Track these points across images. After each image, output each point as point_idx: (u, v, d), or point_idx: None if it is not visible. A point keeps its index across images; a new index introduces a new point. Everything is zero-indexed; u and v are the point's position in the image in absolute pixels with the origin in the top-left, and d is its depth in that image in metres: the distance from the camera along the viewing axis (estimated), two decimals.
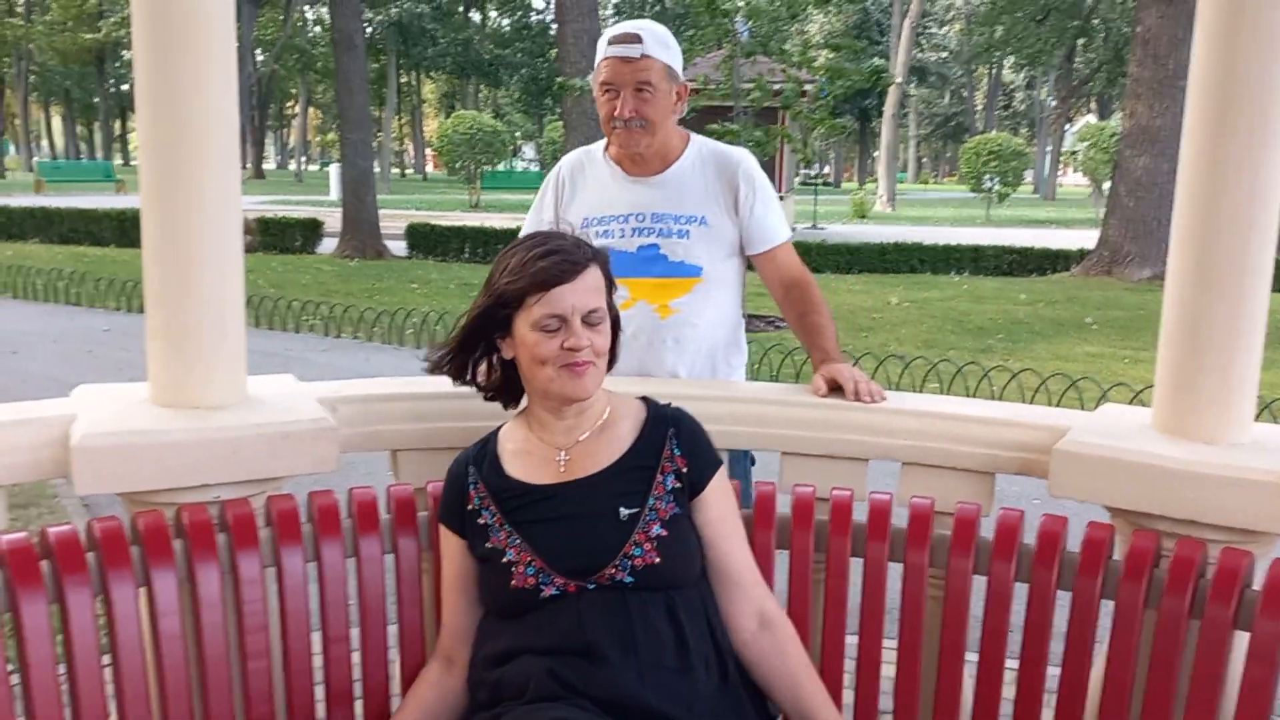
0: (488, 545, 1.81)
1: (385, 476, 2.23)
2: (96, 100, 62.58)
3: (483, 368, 1.98)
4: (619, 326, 1.93)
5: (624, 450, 1.85)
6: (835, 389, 2.31)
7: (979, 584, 1.99)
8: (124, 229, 18.68)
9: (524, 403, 1.98)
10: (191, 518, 1.88)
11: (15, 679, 1.68)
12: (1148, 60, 14.49)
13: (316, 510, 1.98)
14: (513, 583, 1.76)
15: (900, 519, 2.05)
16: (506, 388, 1.97)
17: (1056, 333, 11.08)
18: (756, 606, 1.86)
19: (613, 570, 1.74)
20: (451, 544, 1.90)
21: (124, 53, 55.83)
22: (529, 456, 1.87)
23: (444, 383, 2.39)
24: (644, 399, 1.95)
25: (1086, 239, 18.57)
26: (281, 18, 49.85)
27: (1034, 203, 45.46)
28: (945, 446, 2.21)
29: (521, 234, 2.43)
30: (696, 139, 2.61)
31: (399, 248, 18.47)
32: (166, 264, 2.07)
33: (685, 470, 1.85)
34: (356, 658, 1.98)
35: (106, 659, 1.74)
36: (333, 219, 19.18)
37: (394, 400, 2.27)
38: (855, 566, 2.05)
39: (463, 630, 1.89)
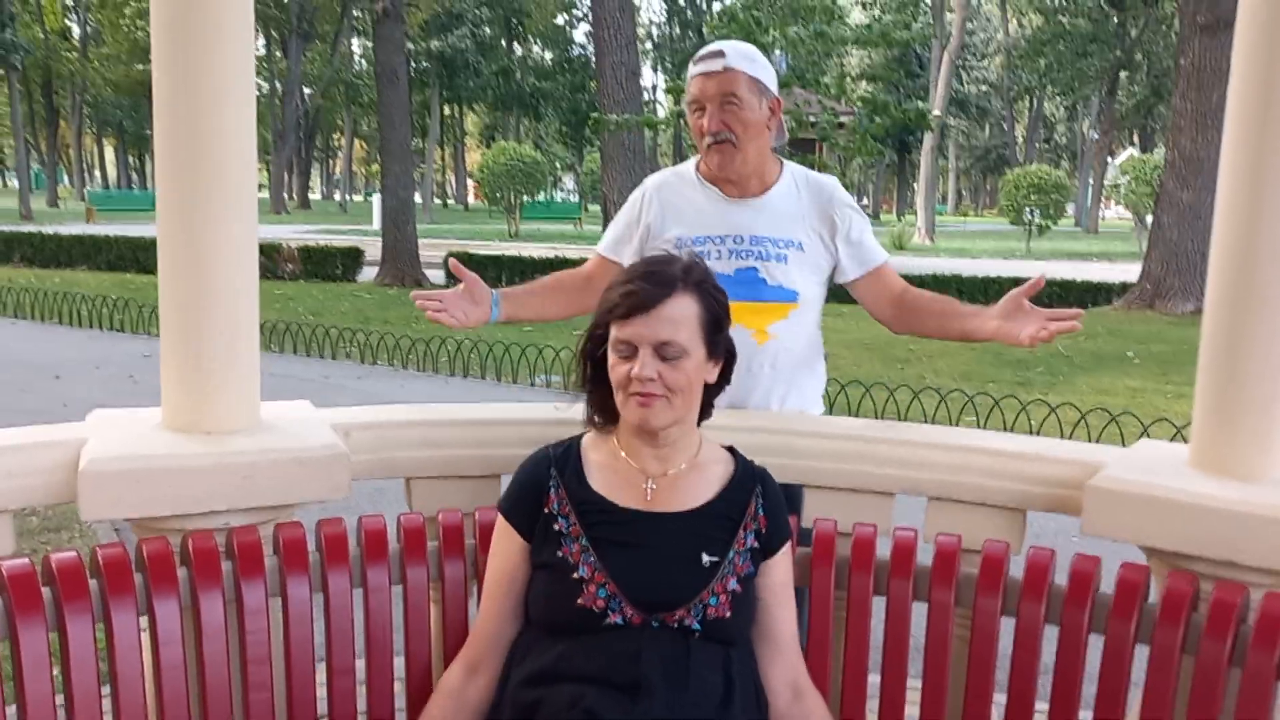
0: (558, 554, 1.74)
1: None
2: (148, 132, 63.93)
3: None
4: (732, 358, 1.86)
5: (712, 495, 1.80)
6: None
7: (1008, 625, 1.91)
8: None
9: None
10: (197, 545, 1.85)
11: (11, 709, 1.65)
12: (1191, 92, 14.32)
13: (324, 539, 1.94)
14: (579, 600, 1.70)
15: (925, 556, 1.98)
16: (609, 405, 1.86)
17: (1097, 366, 10.89)
18: (792, 676, 1.82)
19: (683, 613, 1.70)
20: (511, 543, 1.81)
21: None
22: (614, 475, 1.81)
23: (459, 409, 2.37)
24: (730, 448, 1.91)
25: (1128, 272, 18.32)
26: (329, 51, 50.72)
27: (1075, 236, 45.01)
28: (975, 481, 2.13)
29: (600, 247, 2.62)
30: (789, 165, 2.57)
31: (438, 276, 18.59)
32: (181, 288, 2.06)
33: (764, 531, 1.81)
34: (362, 690, 1.93)
35: (105, 689, 1.70)
36: (373, 248, 19.35)
37: (408, 427, 2.24)
38: (878, 605, 1.98)
39: (496, 638, 1.81)
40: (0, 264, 19.78)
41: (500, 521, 1.85)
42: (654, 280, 1.73)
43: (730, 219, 2.48)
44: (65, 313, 12.87)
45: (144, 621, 1.77)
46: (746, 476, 1.85)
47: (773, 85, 2.43)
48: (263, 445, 2.02)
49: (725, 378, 1.86)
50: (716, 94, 2.37)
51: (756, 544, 1.80)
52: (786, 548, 1.86)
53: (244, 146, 2.06)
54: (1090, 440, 6.81)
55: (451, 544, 2.02)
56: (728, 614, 1.72)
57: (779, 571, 1.84)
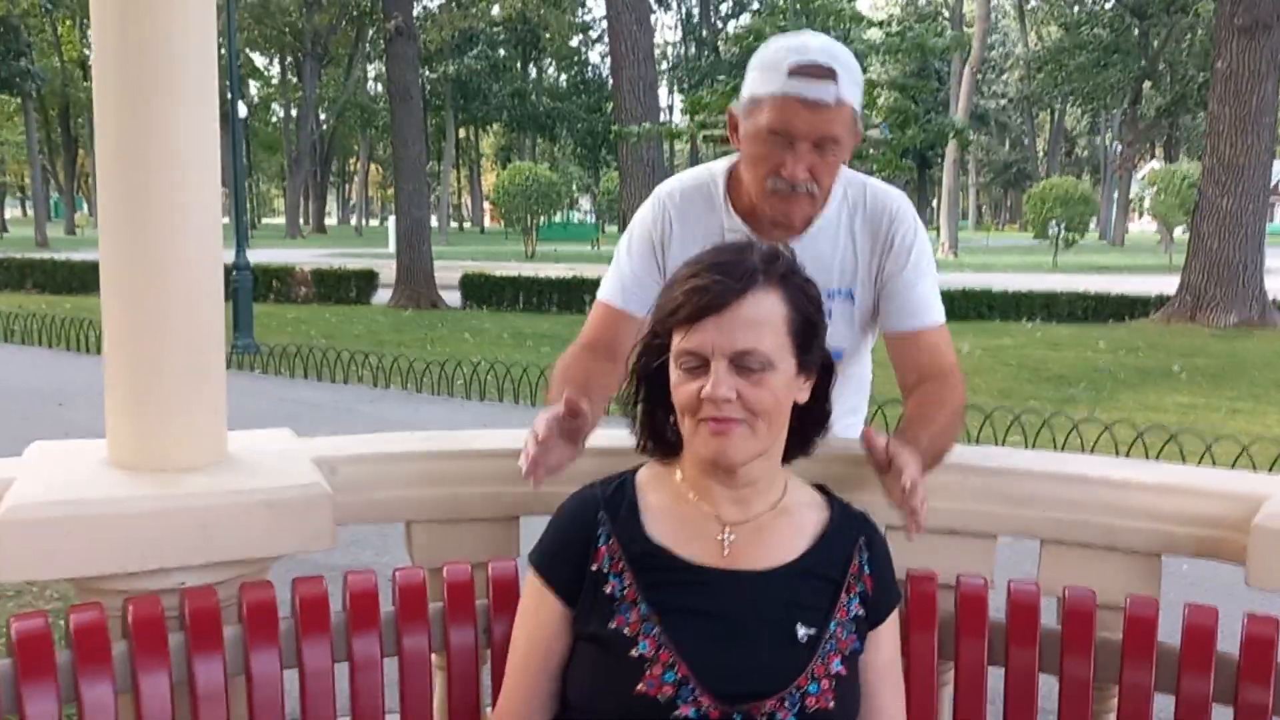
0: (610, 626, 1.35)
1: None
2: None
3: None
4: (829, 373, 1.46)
5: (805, 548, 1.41)
6: (886, 470, 1.58)
7: (1163, 703, 1.51)
8: None
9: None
10: (138, 612, 1.47)
11: None
12: (1229, 96, 13.88)
13: (299, 602, 1.56)
14: (639, 687, 1.30)
15: (1048, 616, 1.59)
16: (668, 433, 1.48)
17: (1142, 382, 10.42)
18: None
19: (775, 705, 1.30)
20: (547, 608, 1.42)
21: None
22: (680, 522, 1.42)
23: (468, 438, 1.98)
24: (821, 488, 1.51)
25: (1158, 285, 17.83)
26: (344, 75, 50.80)
27: (1100, 249, 44.39)
28: (1100, 520, 1.73)
29: (600, 295, 1.96)
30: (842, 178, 1.91)
31: (454, 298, 18.29)
32: (129, 295, 1.70)
33: (870, 595, 1.42)
34: None
35: None
36: (388, 270, 19.08)
37: (407, 460, 1.85)
38: (993, 677, 1.58)
39: None
40: (13, 290, 19.60)
41: (532, 579, 1.46)
42: (728, 272, 1.34)
43: None
44: (74, 339, 12.59)
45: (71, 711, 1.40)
46: (847, 524, 1.46)
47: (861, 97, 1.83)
48: (225, 485, 1.65)
49: (821, 398, 1.46)
50: (816, 134, 1.71)
51: (863, 611, 1.41)
52: (895, 618, 1.47)
53: (206, 127, 1.70)
54: (1149, 459, 6.38)
55: (459, 604, 1.63)
56: (831, 704, 1.32)
57: (887, 646, 1.45)
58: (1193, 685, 1.47)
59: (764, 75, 1.74)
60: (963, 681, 1.58)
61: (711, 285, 1.33)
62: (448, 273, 19.35)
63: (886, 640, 1.44)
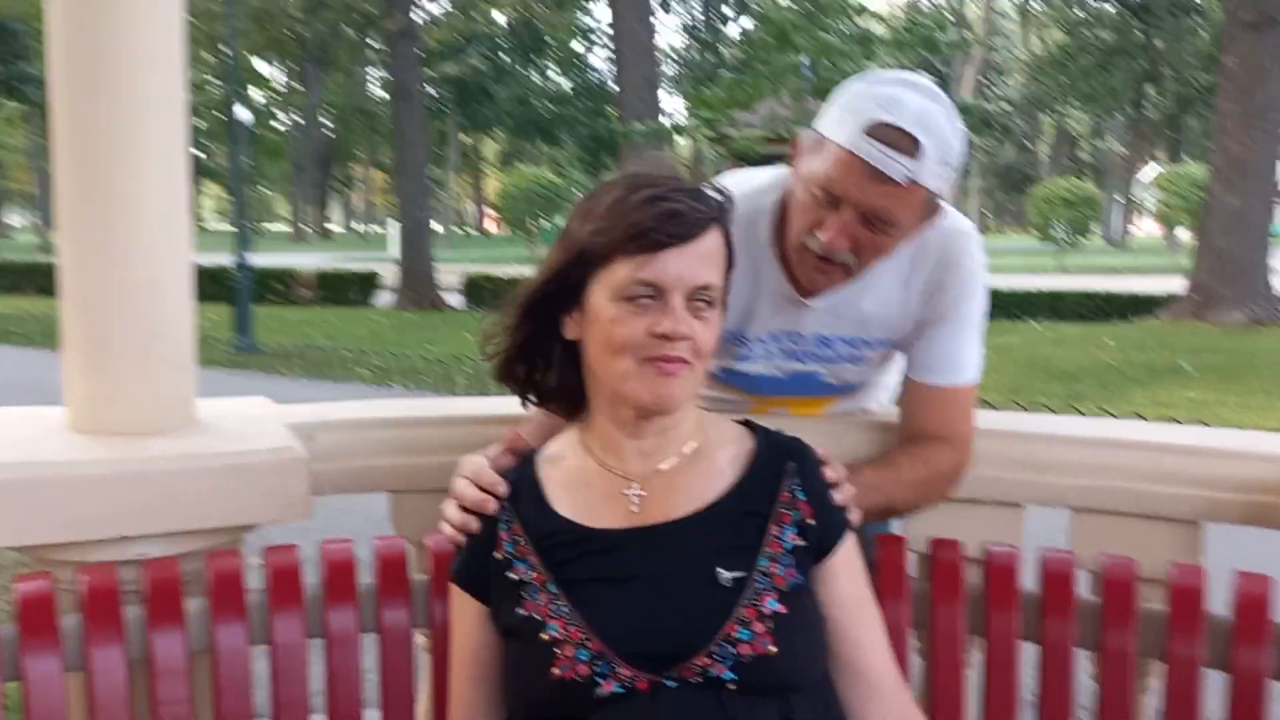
0: (520, 613, 1.24)
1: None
2: None
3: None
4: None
5: (725, 488, 1.29)
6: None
7: (1212, 680, 1.38)
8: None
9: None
10: (91, 583, 1.35)
11: None
12: (1236, 93, 13.72)
13: (270, 573, 1.43)
14: (555, 671, 1.19)
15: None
16: (563, 390, 1.37)
17: (1152, 379, 10.26)
18: None
19: (706, 661, 1.17)
20: (468, 611, 1.33)
21: (200, 123, 57.31)
22: (586, 490, 1.31)
23: (455, 403, 1.86)
24: (747, 423, 1.38)
25: (1164, 286, 17.68)
26: (347, 80, 50.77)
27: (1104, 251, 44.23)
28: (1138, 487, 1.61)
29: None
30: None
31: (457, 301, 18.20)
32: (86, 239, 1.58)
33: (812, 523, 1.28)
34: None
35: None
36: (390, 273, 19.00)
37: (389, 426, 1.73)
38: (1026, 653, 1.45)
39: None
40: (13, 294, 19.52)
41: (453, 589, 1.36)
42: (697, 198, 1.24)
43: (795, 316, 1.67)
44: None
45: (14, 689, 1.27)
46: (772, 453, 1.32)
47: (948, 184, 1.50)
48: (190, 449, 1.53)
49: None
50: (870, 207, 1.44)
51: (803, 541, 1.27)
52: (851, 542, 1.32)
53: (168, 106, 1.59)
54: None
55: (444, 576, 1.50)
56: (771, 649, 1.17)
57: (848, 577, 1.31)
58: (1248, 659, 1.34)
59: (840, 117, 1.45)
60: (994, 657, 1.45)
61: (687, 211, 1.21)
62: (451, 276, 19.26)
63: (843, 572, 1.30)
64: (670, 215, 1.21)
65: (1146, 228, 57.12)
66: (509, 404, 1.86)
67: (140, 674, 1.35)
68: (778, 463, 1.31)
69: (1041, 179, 53.94)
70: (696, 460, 1.31)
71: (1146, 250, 43.43)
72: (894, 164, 1.40)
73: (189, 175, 1.66)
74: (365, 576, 1.48)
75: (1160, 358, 11.64)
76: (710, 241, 1.24)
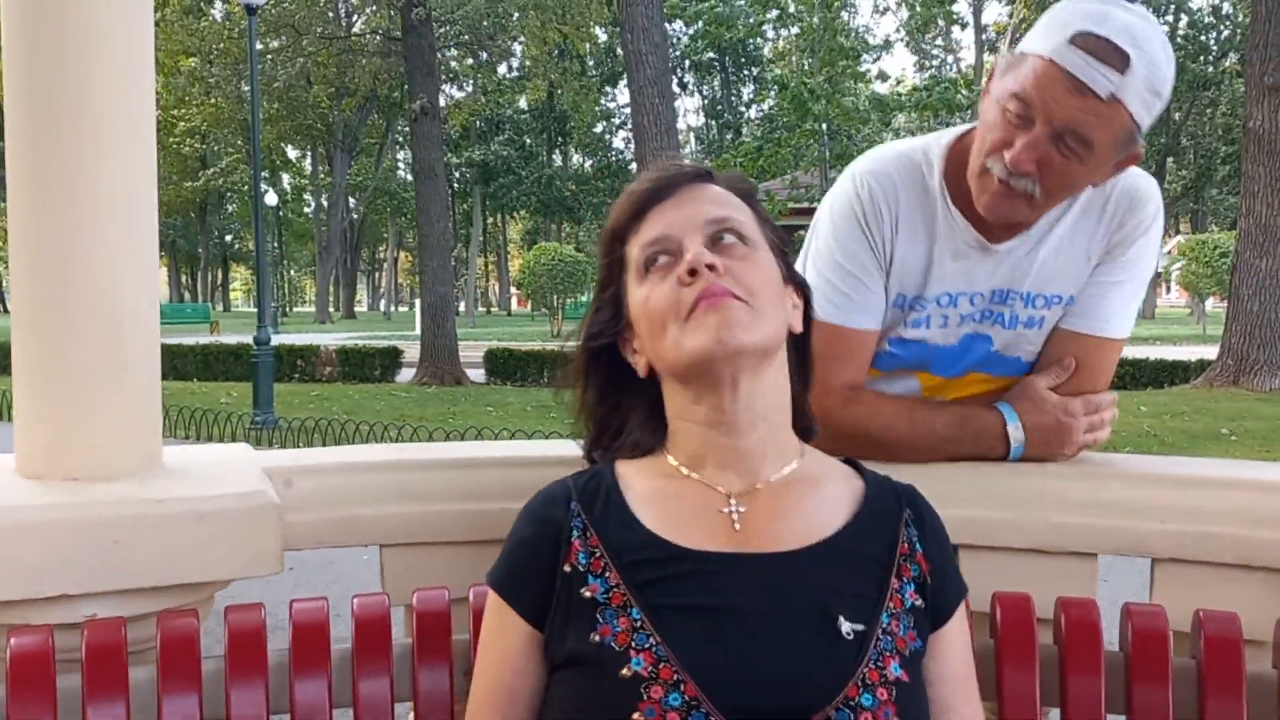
0: (594, 639, 1.03)
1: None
2: (200, 251, 65.27)
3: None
4: (810, 293, 1.22)
5: (840, 524, 1.10)
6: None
7: None
8: (207, 362, 18.70)
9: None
10: (18, 648, 1.16)
11: None
12: (1262, 156, 13.58)
13: (229, 635, 1.23)
14: (637, 717, 0.97)
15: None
16: (655, 434, 1.19)
17: (1191, 445, 9.96)
18: None
19: None
20: (509, 635, 1.10)
21: (228, 206, 58.37)
22: (676, 502, 1.11)
23: (450, 448, 1.68)
24: (851, 461, 1.20)
25: (1194, 354, 17.40)
26: (374, 165, 51.65)
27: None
28: (1231, 533, 1.39)
29: (830, 315, 1.53)
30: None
31: (479, 376, 18.11)
32: (41, 261, 1.42)
33: (929, 581, 1.09)
34: None
35: None
36: (413, 350, 18.95)
37: (377, 471, 1.54)
38: None
39: None
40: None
41: (492, 601, 1.13)
42: (674, 164, 1.19)
43: (976, 267, 1.54)
44: None
45: None
46: (886, 495, 1.14)
47: (1148, 124, 1.38)
48: (146, 495, 1.34)
49: (808, 341, 1.20)
50: (1064, 122, 1.33)
51: (920, 602, 1.07)
52: (963, 614, 1.13)
53: (133, 134, 1.45)
54: None
55: (430, 640, 1.30)
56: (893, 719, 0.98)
57: (958, 651, 1.11)
58: None
59: (1044, 31, 1.36)
60: None
61: (677, 172, 1.16)
62: (473, 352, 19.20)
63: (956, 643, 1.10)
64: (660, 176, 1.15)
65: (1172, 299, 56.77)
66: (503, 448, 1.68)
67: None
68: (894, 508, 1.12)
69: None
70: (801, 485, 1.12)
71: (1173, 320, 43.10)
72: (1099, 76, 1.30)
73: (156, 197, 1.51)
74: (343, 641, 1.29)
75: (1199, 424, 11.35)
76: (713, 191, 1.15)
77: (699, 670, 0.98)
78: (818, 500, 1.10)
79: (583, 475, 1.16)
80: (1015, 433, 1.49)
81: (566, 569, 1.07)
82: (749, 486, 1.09)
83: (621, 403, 1.21)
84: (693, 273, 1.06)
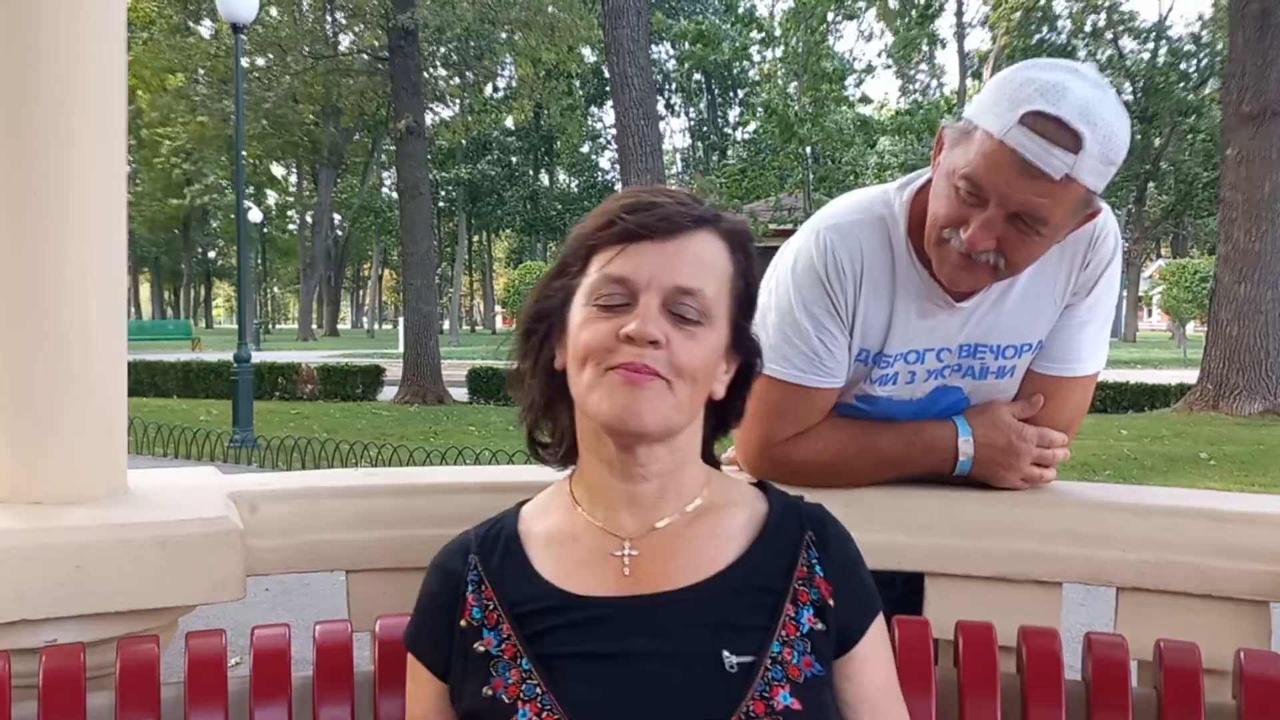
0: (486, 692, 1.04)
1: None
2: (183, 267, 65.01)
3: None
4: (755, 360, 1.16)
5: (734, 556, 1.09)
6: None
7: None
8: (188, 380, 18.61)
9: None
10: None
11: None
12: (1241, 183, 13.74)
13: (188, 663, 1.23)
14: None
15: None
16: (562, 435, 1.18)
17: (1171, 468, 10.01)
18: None
19: None
20: (422, 689, 1.14)
21: (211, 222, 58.20)
22: (572, 546, 1.12)
23: (418, 473, 1.68)
24: (761, 484, 1.19)
25: (1175, 378, 17.52)
26: (360, 183, 51.63)
27: (1113, 345, 44.19)
28: (1194, 561, 1.40)
29: (785, 373, 1.51)
30: None
31: (462, 394, 18.05)
32: (5, 289, 1.41)
33: (831, 603, 1.08)
34: None
35: None
36: (395, 368, 18.90)
37: (344, 497, 1.54)
38: None
39: None
40: None
41: (409, 659, 1.15)
42: (677, 199, 1.09)
43: (942, 324, 1.52)
44: None
45: None
46: (788, 519, 1.12)
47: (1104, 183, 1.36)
48: (109, 520, 1.34)
49: (736, 403, 1.16)
50: (1020, 204, 1.31)
51: (821, 624, 1.06)
52: (879, 628, 1.12)
53: (105, 133, 1.45)
54: None
55: (393, 668, 1.29)
56: None
57: (876, 670, 1.10)
58: None
59: (994, 104, 1.32)
60: None
61: (668, 205, 1.06)
62: (456, 370, 19.15)
63: (871, 661, 1.09)
64: (646, 207, 1.06)
65: (1153, 323, 57.19)
66: (473, 472, 1.68)
67: None
68: (794, 531, 1.11)
69: None
70: (701, 521, 1.11)
71: (1155, 344, 43.40)
72: (1052, 159, 1.26)
73: (125, 217, 1.51)
74: (306, 667, 1.28)
75: (1178, 448, 11.40)
76: (701, 245, 1.07)
77: (583, 716, 0.99)
78: (714, 535, 1.10)
79: (485, 525, 1.17)
80: (965, 446, 1.49)
81: (462, 624, 1.08)
82: (645, 528, 1.09)
83: (554, 392, 1.16)
84: (630, 339, 1.02)
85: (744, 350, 1.14)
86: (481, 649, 1.06)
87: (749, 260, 1.13)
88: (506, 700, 1.01)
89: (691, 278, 1.05)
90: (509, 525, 1.15)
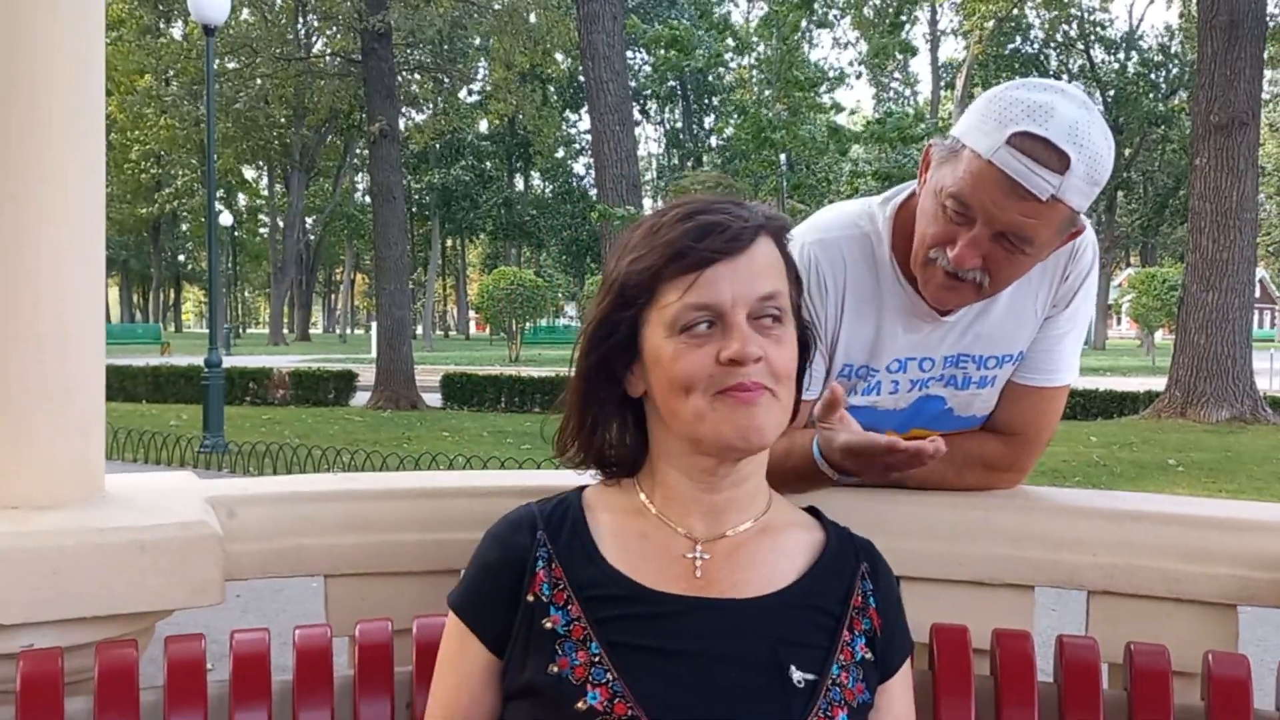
0: (552, 670, 1.04)
1: None
2: (151, 270, 64.38)
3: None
4: (807, 354, 1.17)
5: (796, 574, 1.11)
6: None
7: None
8: (158, 384, 18.41)
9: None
10: None
11: None
12: (1209, 193, 13.92)
13: (167, 667, 1.23)
14: None
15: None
16: (625, 449, 1.18)
17: (1139, 475, 10.13)
18: None
19: None
20: (470, 659, 1.12)
21: (181, 225, 57.67)
22: (641, 542, 1.12)
23: (399, 477, 1.68)
24: (812, 510, 1.21)
25: (1143, 385, 17.73)
26: (332, 187, 51.37)
27: (1083, 352, 44.63)
28: (1162, 566, 1.43)
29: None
30: None
31: (436, 400, 17.98)
32: None
33: (878, 636, 1.11)
34: None
35: None
36: (367, 373, 18.80)
37: (323, 501, 1.54)
38: None
39: None
40: None
41: (452, 623, 1.14)
42: (738, 209, 1.09)
43: (927, 336, 1.54)
44: None
45: None
46: (844, 550, 1.15)
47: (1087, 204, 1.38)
48: (85, 524, 1.33)
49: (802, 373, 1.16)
50: (1006, 225, 1.32)
51: (870, 655, 1.09)
52: (907, 669, 1.16)
53: (83, 130, 1.44)
54: None
55: (372, 672, 1.30)
56: None
57: (901, 705, 1.14)
58: None
59: (982, 124, 1.33)
60: None
61: (729, 221, 1.06)
62: (430, 375, 19.06)
63: (900, 697, 1.13)
64: (711, 228, 1.05)
65: (1122, 330, 57.84)
66: (451, 477, 1.69)
67: None
68: (851, 559, 1.14)
69: None
70: (765, 535, 1.13)
71: (1124, 351, 43.88)
72: (1039, 180, 1.28)
73: (103, 217, 1.50)
74: (285, 672, 1.28)
75: (1147, 455, 11.54)
76: (763, 251, 1.08)
77: (653, 708, 1.00)
78: (778, 550, 1.12)
79: (549, 502, 1.17)
80: (822, 464, 1.44)
81: (530, 598, 1.08)
82: (716, 534, 1.11)
83: (604, 414, 1.17)
84: (735, 361, 1.03)
85: (800, 328, 1.15)
86: (549, 626, 1.06)
87: (786, 245, 1.14)
88: (574, 681, 1.02)
89: (767, 284, 1.07)
90: (574, 507, 1.15)
